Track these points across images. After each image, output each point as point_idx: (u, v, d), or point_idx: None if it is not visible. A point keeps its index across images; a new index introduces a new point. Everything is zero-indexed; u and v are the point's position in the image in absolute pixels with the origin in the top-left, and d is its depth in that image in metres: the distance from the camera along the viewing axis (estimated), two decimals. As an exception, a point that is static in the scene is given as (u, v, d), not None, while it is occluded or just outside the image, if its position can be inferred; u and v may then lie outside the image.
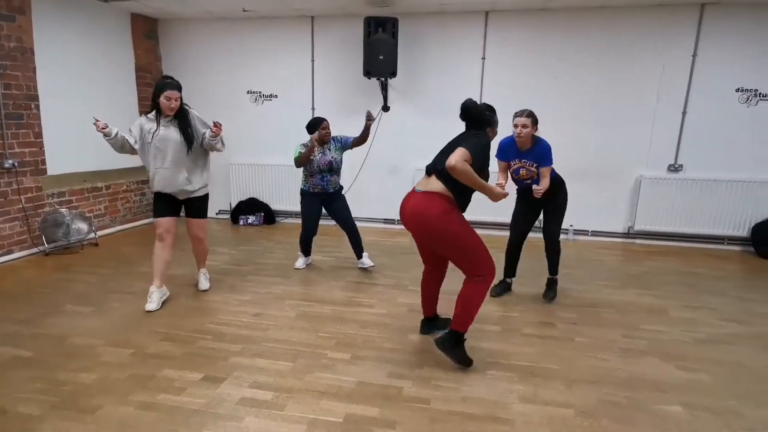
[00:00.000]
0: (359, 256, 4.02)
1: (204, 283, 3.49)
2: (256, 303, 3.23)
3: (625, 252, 4.86)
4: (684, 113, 4.88)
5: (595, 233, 5.36)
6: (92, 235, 4.65)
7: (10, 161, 4.04)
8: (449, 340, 2.39)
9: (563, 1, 4.64)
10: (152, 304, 3.07)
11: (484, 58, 5.20)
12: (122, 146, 2.95)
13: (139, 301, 3.15)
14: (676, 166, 5.00)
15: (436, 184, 2.33)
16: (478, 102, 2.52)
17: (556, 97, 5.09)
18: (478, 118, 2.40)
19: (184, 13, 5.43)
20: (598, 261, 4.50)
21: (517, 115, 3.11)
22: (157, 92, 2.93)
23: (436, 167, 2.36)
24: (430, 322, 2.82)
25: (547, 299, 3.39)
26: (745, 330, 2.96)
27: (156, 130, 2.97)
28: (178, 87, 2.98)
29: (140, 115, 4.99)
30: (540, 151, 3.13)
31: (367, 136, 3.83)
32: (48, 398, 2.07)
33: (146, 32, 5.62)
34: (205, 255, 3.52)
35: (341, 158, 3.89)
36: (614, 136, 5.07)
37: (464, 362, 2.40)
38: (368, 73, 4.96)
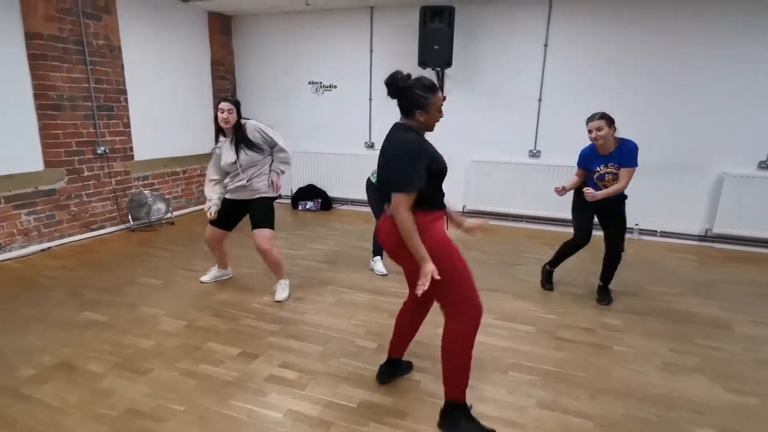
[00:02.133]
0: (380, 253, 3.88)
1: (279, 293, 3.20)
2: (301, 287, 3.44)
3: (698, 256, 4.43)
4: (779, 103, 4.29)
5: (664, 234, 4.93)
6: (169, 215, 5.19)
7: (102, 148, 4.62)
8: (450, 418, 1.89)
9: (638, -19, 4.25)
10: (205, 277, 3.47)
11: (546, 45, 4.93)
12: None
13: (193, 279, 3.51)
14: (768, 162, 4.43)
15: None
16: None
17: (628, 86, 4.71)
18: (402, 97, 1.83)
19: (254, 9, 5.75)
20: (661, 264, 4.16)
21: (589, 120, 2.98)
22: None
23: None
24: (393, 367, 2.27)
25: (605, 303, 3.21)
26: (822, 354, 2.62)
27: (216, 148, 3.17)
28: (233, 102, 3.00)
29: (215, 105, 5.07)
30: (626, 151, 2.96)
31: None
32: (112, 358, 2.42)
33: (221, 28, 6.05)
34: (277, 267, 3.23)
35: None
36: (693, 128, 4.59)
37: None
38: (423, 63, 4.94)
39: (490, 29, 5.07)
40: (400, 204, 1.73)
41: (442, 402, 1.98)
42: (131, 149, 4.98)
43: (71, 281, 3.48)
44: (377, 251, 3.80)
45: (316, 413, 2.02)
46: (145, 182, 5.21)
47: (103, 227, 4.75)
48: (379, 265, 3.76)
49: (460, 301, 1.82)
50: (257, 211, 3.12)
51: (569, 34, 4.83)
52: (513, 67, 5.09)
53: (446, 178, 1.89)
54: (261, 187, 3.14)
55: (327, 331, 2.78)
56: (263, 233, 3.08)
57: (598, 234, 3.25)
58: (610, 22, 4.66)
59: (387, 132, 1.92)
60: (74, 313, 2.95)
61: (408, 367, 2.35)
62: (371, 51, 5.64)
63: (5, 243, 3.94)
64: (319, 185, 6.18)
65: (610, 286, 3.30)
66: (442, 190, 1.90)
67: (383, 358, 2.46)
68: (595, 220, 3.24)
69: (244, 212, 3.24)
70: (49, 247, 4.22)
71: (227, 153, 3.07)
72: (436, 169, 1.80)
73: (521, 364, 2.45)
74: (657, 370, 2.43)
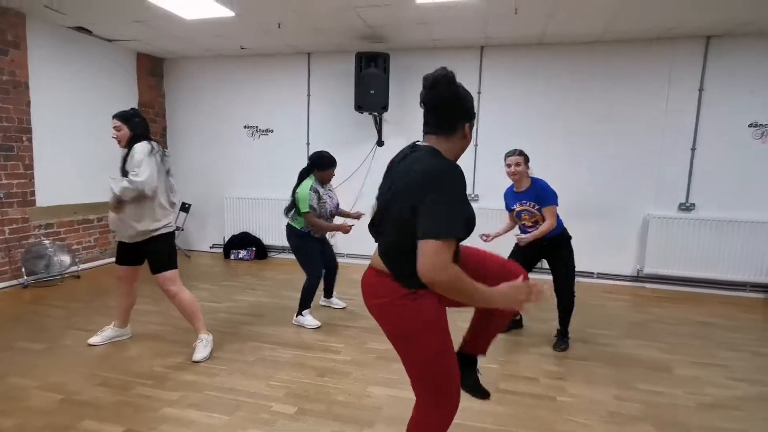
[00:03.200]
0: (331, 295, 3.83)
1: (199, 351, 2.77)
2: (218, 345, 3.00)
3: (632, 297, 4.46)
4: (693, 149, 4.58)
5: (601, 275, 4.98)
6: (75, 267, 4.59)
7: (-3, 192, 4.07)
8: None
9: (560, 36, 4.52)
10: (95, 338, 2.96)
11: (479, 93, 5.07)
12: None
13: (89, 340, 2.99)
14: (688, 204, 4.65)
15: (379, 262, 1.43)
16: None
17: (557, 133, 4.89)
18: (444, 107, 1.39)
19: (186, 51, 5.56)
20: (599, 306, 4.13)
21: (508, 154, 3.04)
22: None
23: (382, 241, 1.45)
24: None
25: (559, 349, 3.08)
26: (756, 391, 2.57)
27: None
28: (120, 116, 2.71)
29: None
30: (539, 189, 2.98)
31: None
32: (-53, 449, 1.89)
33: (151, 70, 5.78)
34: (191, 314, 2.83)
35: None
36: (619, 172, 4.79)
37: None
38: (359, 107, 4.90)
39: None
40: (441, 256, 1.19)
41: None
42: (32, 194, 4.43)
43: (-74, 349, 2.85)
44: (305, 303, 3.44)
45: (206, 507, 1.61)
46: (49, 230, 4.62)
47: (-11, 283, 4.09)
48: (308, 318, 3.41)
49: (433, 394, 1.43)
50: (153, 254, 2.75)
51: (500, 81, 5.01)
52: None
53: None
54: (146, 225, 2.68)
55: (238, 396, 2.38)
56: (165, 275, 2.75)
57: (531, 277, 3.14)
58: (534, 71, 4.89)
59: (397, 152, 1.48)
60: None
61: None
62: (309, 95, 5.56)
63: None
64: (254, 233, 5.81)
65: (568, 335, 3.17)
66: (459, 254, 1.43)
67: (302, 425, 2.12)
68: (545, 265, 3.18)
69: (142, 253, 2.82)
70: None
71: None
72: (468, 218, 1.30)
73: (459, 424, 2.17)
74: (602, 421, 2.24)
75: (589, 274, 4.99)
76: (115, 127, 2.71)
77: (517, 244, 3.15)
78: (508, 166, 3.01)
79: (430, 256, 1.19)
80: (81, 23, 4.56)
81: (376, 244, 1.47)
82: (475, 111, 1.44)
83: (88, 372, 2.61)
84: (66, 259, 4.47)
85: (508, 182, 3.18)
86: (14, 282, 4.25)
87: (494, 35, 4.58)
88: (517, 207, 3.08)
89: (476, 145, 5.10)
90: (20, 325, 3.30)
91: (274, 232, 5.73)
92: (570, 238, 3.11)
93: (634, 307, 4.14)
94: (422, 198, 1.24)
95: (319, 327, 3.37)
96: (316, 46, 5.15)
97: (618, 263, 4.91)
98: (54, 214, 4.66)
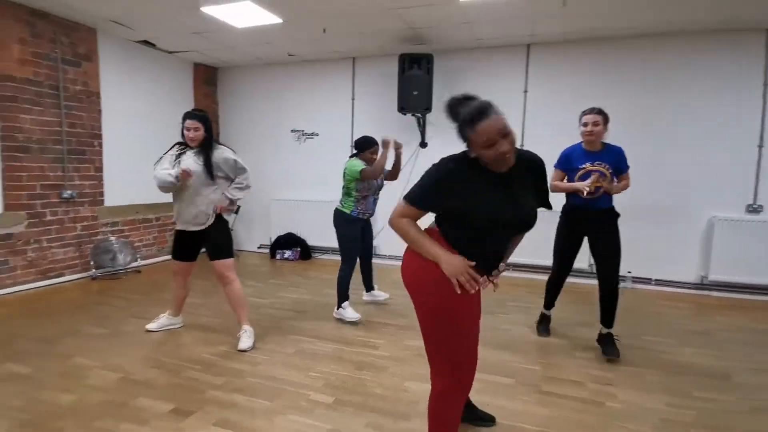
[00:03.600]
0: (372, 288, 3.86)
1: (244, 341, 2.91)
2: (260, 337, 3.11)
3: (694, 305, 4.14)
4: (760, 147, 4.23)
5: (659, 282, 4.67)
6: (136, 263, 4.92)
7: (69, 192, 4.45)
8: None
9: (609, 30, 4.34)
10: (152, 324, 3.18)
11: (526, 91, 4.96)
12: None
13: (146, 326, 3.21)
14: (756, 206, 4.28)
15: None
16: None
17: (610, 132, 4.66)
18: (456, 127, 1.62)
19: (238, 60, 5.87)
20: (656, 313, 3.87)
21: (585, 112, 2.83)
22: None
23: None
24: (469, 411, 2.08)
25: (612, 356, 2.80)
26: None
27: (177, 160, 2.94)
28: (199, 117, 2.91)
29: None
30: (618, 153, 2.84)
31: (399, 167, 3.60)
32: (21, 416, 2.08)
33: (206, 79, 6.13)
34: (238, 302, 3.03)
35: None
36: (679, 172, 4.49)
37: None
38: (402, 108, 4.94)
39: (471, 76, 5.12)
40: (399, 211, 1.58)
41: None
42: (101, 194, 4.82)
43: (4, 331, 3.15)
44: (343, 294, 3.50)
45: (244, 483, 1.67)
46: (114, 228, 5.00)
47: (62, 275, 4.46)
48: (348, 311, 3.46)
49: (443, 362, 1.59)
50: (215, 241, 2.99)
51: (548, 79, 4.87)
52: (492, 113, 5.08)
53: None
54: (209, 214, 2.94)
55: (279, 384, 2.45)
56: (224, 262, 2.98)
57: (575, 282, 3.01)
58: (583, 67, 4.72)
59: None
60: (-4, 364, 2.62)
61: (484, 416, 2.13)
62: (353, 99, 5.68)
63: (-53, 289, 3.65)
64: (299, 234, 5.98)
65: (615, 336, 2.92)
66: (487, 244, 1.56)
67: (339, 416, 2.16)
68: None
69: (200, 243, 3.05)
70: (-4, 295, 3.92)
71: (190, 161, 2.87)
72: (464, 210, 1.51)
73: (499, 423, 2.11)
74: (653, 428, 2.10)
75: (647, 281, 4.70)
76: (194, 128, 2.86)
77: (566, 217, 3.00)
78: (585, 125, 2.80)
79: (396, 208, 1.60)
80: (146, 37, 4.94)
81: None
82: (492, 109, 1.57)
83: (145, 355, 2.79)
84: (129, 254, 4.81)
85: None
86: (84, 274, 4.62)
87: (541, 32, 4.47)
88: (588, 166, 2.83)
89: (522, 145, 4.98)
90: (87, 312, 3.58)
91: (318, 234, 5.86)
92: (618, 215, 2.91)
93: (696, 315, 3.85)
94: None
95: (358, 320, 3.41)
96: (360, 50, 5.26)
97: (679, 269, 4.59)
98: (119, 213, 5.04)
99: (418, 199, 1.55)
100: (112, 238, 4.83)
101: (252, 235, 6.38)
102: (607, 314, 2.90)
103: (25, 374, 2.50)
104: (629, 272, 4.70)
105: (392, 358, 2.82)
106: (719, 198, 4.39)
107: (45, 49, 4.18)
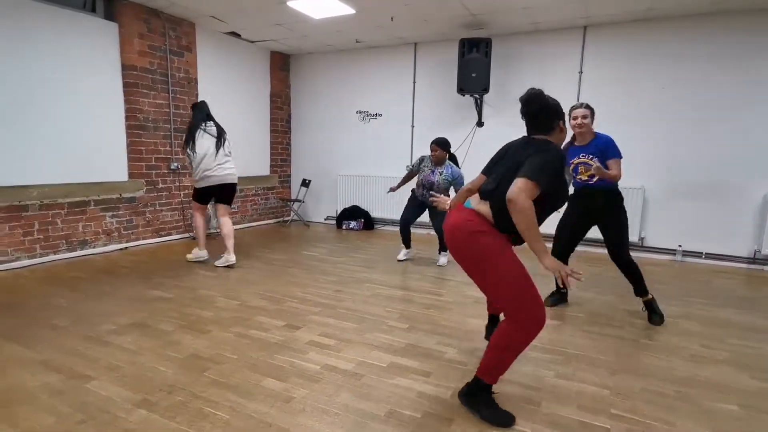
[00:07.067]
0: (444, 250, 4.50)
1: (218, 261, 4.21)
2: (340, 283, 3.72)
3: (745, 277, 4.30)
4: (824, 121, 4.25)
5: (710, 256, 4.83)
6: (226, 226, 5.72)
7: (175, 164, 5.27)
8: (472, 393, 1.89)
9: (667, 9, 4.48)
10: (190, 255, 4.43)
11: (581, 72, 5.19)
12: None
13: (244, 274, 3.90)
14: (815, 181, 4.32)
15: (485, 209, 1.85)
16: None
17: (663, 110, 4.83)
18: (540, 115, 1.89)
19: (309, 47, 6.46)
20: (703, 281, 4.09)
21: (574, 107, 3.01)
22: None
23: (487, 188, 1.87)
24: (494, 323, 2.53)
25: (656, 323, 2.97)
26: None
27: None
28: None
29: (271, 131, 6.39)
30: (603, 143, 2.97)
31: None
32: (178, 321, 2.79)
33: (281, 65, 6.80)
34: (228, 233, 4.23)
35: (446, 187, 4.21)
36: (733, 148, 4.60)
37: (496, 420, 1.82)
38: (461, 89, 5.32)
39: (526, 58, 5.40)
40: (523, 190, 1.63)
41: (463, 366, 2.15)
42: (198, 167, 5.61)
43: (142, 270, 3.97)
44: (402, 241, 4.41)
45: (350, 368, 2.25)
46: (208, 197, 5.80)
47: (170, 234, 5.32)
48: (401, 253, 4.43)
49: (519, 312, 1.76)
50: (232, 195, 4.40)
51: (604, 60, 5.07)
52: (548, 92, 5.34)
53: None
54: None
55: (363, 314, 3.03)
56: (229, 208, 4.42)
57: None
58: (644, 48, 4.87)
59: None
60: (144, 291, 3.39)
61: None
62: (414, 82, 6.12)
63: (91, 240, 4.54)
64: (363, 206, 6.57)
65: (653, 300, 3.05)
66: (541, 222, 1.76)
67: (414, 336, 2.67)
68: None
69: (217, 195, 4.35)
70: (126, 247, 4.80)
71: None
72: (556, 191, 1.78)
73: (544, 347, 2.56)
74: (683, 360, 2.46)
75: (698, 254, 4.87)
76: (582, 116, 2.96)
77: (569, 207, 3.14)
78: (575, 118, 2.97)
79: (517, 185, 1.66)
80: (234, 29, 5.62)
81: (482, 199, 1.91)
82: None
83: (251, 290, 3.47)
84: (220, 219, 5.60)
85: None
86: (186, 235, 5.47)
87: (597, 13, 4.68)
88: (575, 160, 3.03)
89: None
90: (196, 263, 4.36)
91: (380, 206, 6.43)
92: (623, 199, 3.05)
93: (746, 285, 4.03)
94: (527, 157, 1.76)
95: (406, 260, 4.49)
96: (422, 36, 5.68)
97: (731, 244, 4.72)
98: (211, 184, 5.83)
99: (545, 179, 1.68)
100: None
101: (319, 207, 7.05)
102: (634, 285, 3.05)
103: (168, 298, 3.24)
104: (680, 246, 4.89)
105: (455, 303, 3.32)
106: (777, 174, 4.46)
107: (157, 42, 4.95)
